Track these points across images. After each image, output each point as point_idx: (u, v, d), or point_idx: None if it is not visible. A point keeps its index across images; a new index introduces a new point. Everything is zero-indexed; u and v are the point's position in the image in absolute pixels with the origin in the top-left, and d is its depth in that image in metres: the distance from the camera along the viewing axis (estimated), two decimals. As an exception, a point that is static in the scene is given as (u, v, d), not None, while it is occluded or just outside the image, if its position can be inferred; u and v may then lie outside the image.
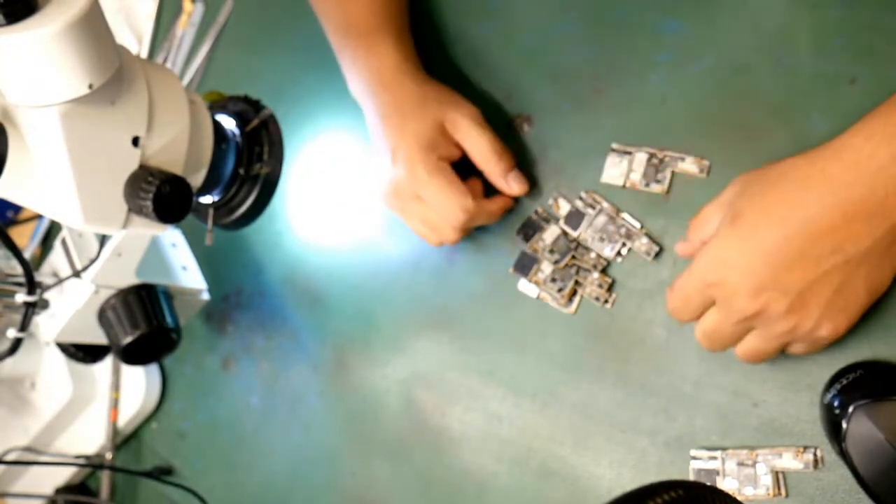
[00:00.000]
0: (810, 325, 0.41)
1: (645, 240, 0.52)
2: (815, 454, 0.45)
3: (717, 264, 0.42)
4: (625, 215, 0.53)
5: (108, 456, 0.80)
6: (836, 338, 0.42)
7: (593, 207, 0.54)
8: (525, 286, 0.57)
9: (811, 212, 0.40)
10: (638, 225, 0.53)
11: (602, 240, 0.54)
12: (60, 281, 0.66)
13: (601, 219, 0.54)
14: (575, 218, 0.55)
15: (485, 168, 0.56)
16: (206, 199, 0.58)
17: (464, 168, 0.56)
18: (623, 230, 0.53)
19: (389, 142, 0.57)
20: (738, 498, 0.39)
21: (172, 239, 0.76)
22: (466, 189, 0.55)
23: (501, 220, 0.59)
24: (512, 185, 0.56)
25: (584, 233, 0.54)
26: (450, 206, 0.54)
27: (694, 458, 0.48)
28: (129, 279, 0.67)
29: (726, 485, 0.47)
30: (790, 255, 0.40)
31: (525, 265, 0.57)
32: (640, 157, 0.53)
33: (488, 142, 0.55)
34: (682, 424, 0.49)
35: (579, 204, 0.55)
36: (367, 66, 0.60)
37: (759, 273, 0.41)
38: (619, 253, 0.53)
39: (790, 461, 0.45)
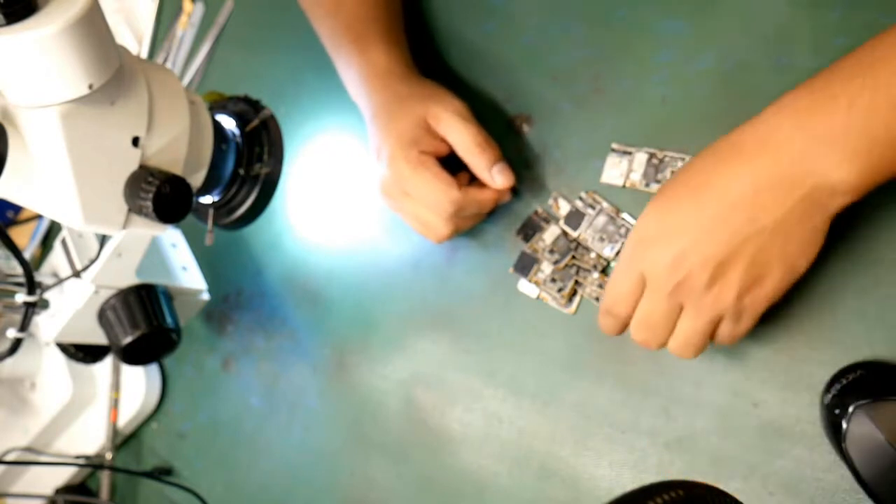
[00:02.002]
0: (732, 296, 0.42)
1: None
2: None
3: (641, 244, 0.43)
4: (625, 215, 0.53)
5: (108, 456, 0.79)
6: (755, 313, 0.43)
7: (593, 207, 0.54)
8: (525, 286, 0.57)
9: (724, 181, 0.41)
10: (638, 225, 0.53)
11: (602, 240, 0.54)
12: (60, 281, 0.66)
13: (601, 219, 0.54)
14: (575, 218, 0.55)
15: (468, 160, 0.56)
16: (206, 199, 0.58)
17: (455, 166, 0.56)
18: (623, 230, 0.53)
19: (375, 142, 0.57)
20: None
21: (172, 239, 0.76)
22: (452, 179, 0.54)
23: (501, 220, 0.59)
24: (496, 177, 0.55)
25: (584, 233, 0.54)
26: (436, 197, 0.54)
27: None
28: (129, 279, 0.67)
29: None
30: (708, 223, 0.41)
31: (525, 265, 0.57)
32: (640, 157, 0.53)
33: (471, 134, 0.55)
34: (682, 425, 0.49)
35: (579, 204, 0.55)
36: (359, 70, 0.60)
37: (679, 241, 0.42)
38: (618, 253, 0.53)
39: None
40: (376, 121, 0.58)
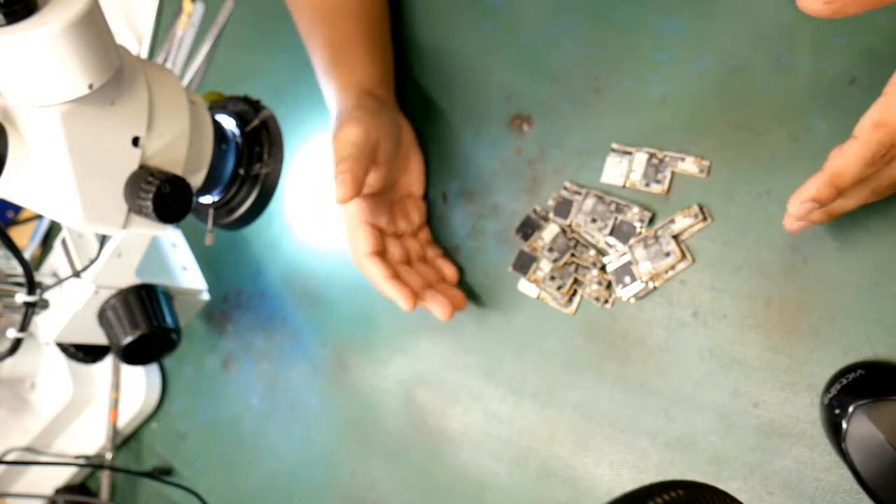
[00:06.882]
0: None
1: (636, 209, 0.52)
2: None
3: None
4: (613, 197, 0.53)
5: (108, 456, 0.80)
6: None
7: (579, 193, 0.55)
8: (525, 286, 0.57)
9: None
10: (626, 199, 0.53)
11: (594, 220, 0.54)
12: (60, 281, 0.66)
13: (589, 201, 0.54)
14: (563, 207, 0.55)
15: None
16: (206, 199, 0.58)
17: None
18: (613, 206, 0.53)
19: None
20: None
21: (172, 239, 0.76)
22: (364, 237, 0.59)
23: (501, 219, 0.59)
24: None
25: (575, 219, 0.54)
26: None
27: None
28: (129, 279, 0.67)
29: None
30: None
31: (524, 264, 0.57)
32: (640, 157, 0.53)
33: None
34: (682, 424, 0.49)
35: (565, 193, 0.55)
36: (330, 99, 0.62)
37: None
38: (613, 231, 0.53)
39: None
40: None
